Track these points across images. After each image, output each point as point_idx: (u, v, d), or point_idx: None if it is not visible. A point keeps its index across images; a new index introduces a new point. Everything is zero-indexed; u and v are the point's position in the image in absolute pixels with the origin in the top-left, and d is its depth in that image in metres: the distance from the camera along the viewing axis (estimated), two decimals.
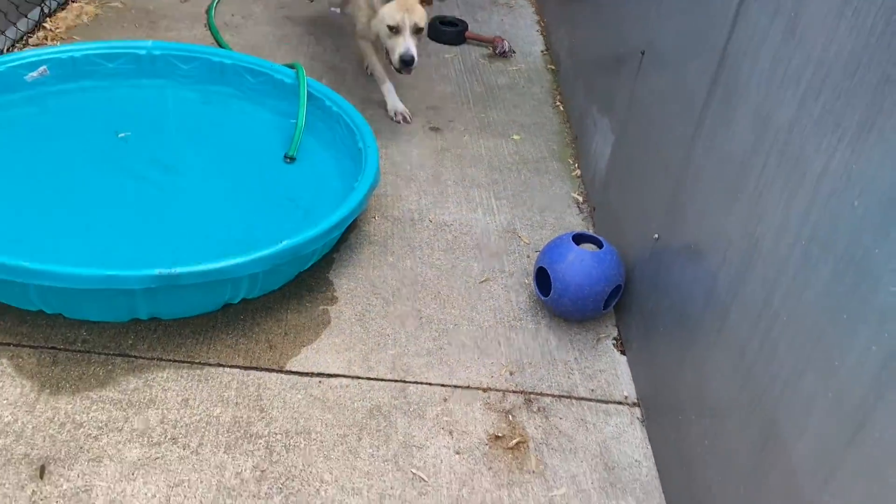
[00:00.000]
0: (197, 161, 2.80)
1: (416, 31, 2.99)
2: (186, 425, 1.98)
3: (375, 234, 2.72)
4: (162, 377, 2.10)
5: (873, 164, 1.25)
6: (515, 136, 3.40)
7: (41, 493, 1.79)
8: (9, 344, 2.13)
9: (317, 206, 2.59)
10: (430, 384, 2.20)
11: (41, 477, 1.81)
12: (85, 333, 2.19)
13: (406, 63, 2.96)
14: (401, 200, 2.90)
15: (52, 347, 2.14)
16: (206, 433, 1.97)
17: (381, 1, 3.00)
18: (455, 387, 2.20)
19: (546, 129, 3.49)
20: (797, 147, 1.50)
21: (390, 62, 3.05)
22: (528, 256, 2.70)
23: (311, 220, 2.33)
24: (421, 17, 3.00)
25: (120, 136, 2.85)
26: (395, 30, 2.97)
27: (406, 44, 2.94)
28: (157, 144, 2.84)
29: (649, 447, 2.10)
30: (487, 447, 2.04)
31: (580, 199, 3.04)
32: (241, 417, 2.02)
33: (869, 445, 1.19)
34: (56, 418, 1.95)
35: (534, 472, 1.99)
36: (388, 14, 2.97)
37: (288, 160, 2.85)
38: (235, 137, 2.95)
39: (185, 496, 1.82)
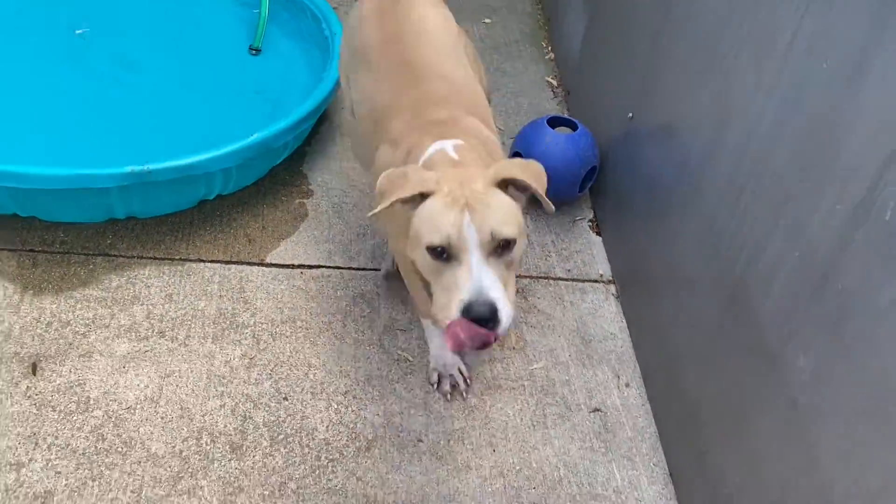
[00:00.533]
0: (158, 56, 2.71)
1: (499, 247, 1.44)
2: (172, 319, 2.02)
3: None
4: (144, 274, 2.12)
5: (841, 26, 1.26)
6: (487, 20, 3.32)
7: (36, 388, 1.83)
8: None
9: (285, 98, 2.55)
10: None
11: (34, 373, 1.85)
12: (63, 235, 2.19)
13: (480, 319, 1.39)
14: None
15: (31, 250, 2.14)
16: (193, 326, 2.01)
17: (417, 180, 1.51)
18: None
19: (518, 12, 3.41)
20: (767, 14, 1.49)
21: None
22: (504, 143, 2.70)
23: (281, 113, 2.30)
24: (505, 217, 1.46)
25: (77, 32, 2.74)
26: (443, 253, 1.45)
27: (472, 277, 1.41)
28: (117, 40, 2.74)
29: (623, 320, 2.17)
30: None
31: (554, 82, 3.01)
32: (226, 309, 2.06)
33: (831, 298, 1.25)
34: (42, 318, 1.98)
35: (514, 348, 2.07)
36: (429, 218, 1.47)
37: (253, 52, 2.77)
38: (197, 30, 2.86)
39: (177, 385, 1.88)
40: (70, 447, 1.73)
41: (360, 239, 2.31)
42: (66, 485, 1.67)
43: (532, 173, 1.53)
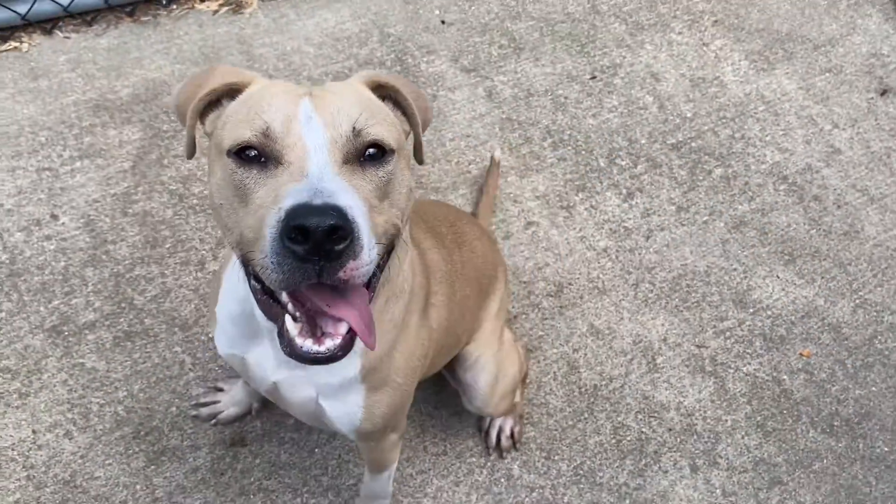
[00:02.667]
0: None
1: (362, 153, 1.02)
2: None
3: None
4: None
5: None
6: None
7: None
8: None
9: None
10: None
11: None
12: None
13: (314, 236, 0.86)
14: None
15: None
16: None
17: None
18: None
19: None
20: None
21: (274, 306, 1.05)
22: None
23: None
24: (373, 112, 1.06)
25: None
26: (260, 158, 1.00)
27: (306, 174, 0.94)
28: None
29: None
30: None
31: None
32: None
33: None
34: None
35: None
36: (241, 111, 1.06)
37: None
38: None
39: None
40: None
41: None
42: None
43: (414, 93, 1.19)
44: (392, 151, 1.03)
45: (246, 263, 1.01)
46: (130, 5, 2.70)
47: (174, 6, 2.75)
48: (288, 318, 1.00)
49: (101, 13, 2.67)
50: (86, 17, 2.66)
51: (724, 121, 2.77)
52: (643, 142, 2.67)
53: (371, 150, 1.01)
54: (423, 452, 2.01)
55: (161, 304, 2.13)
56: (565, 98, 2.74)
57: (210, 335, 1.98)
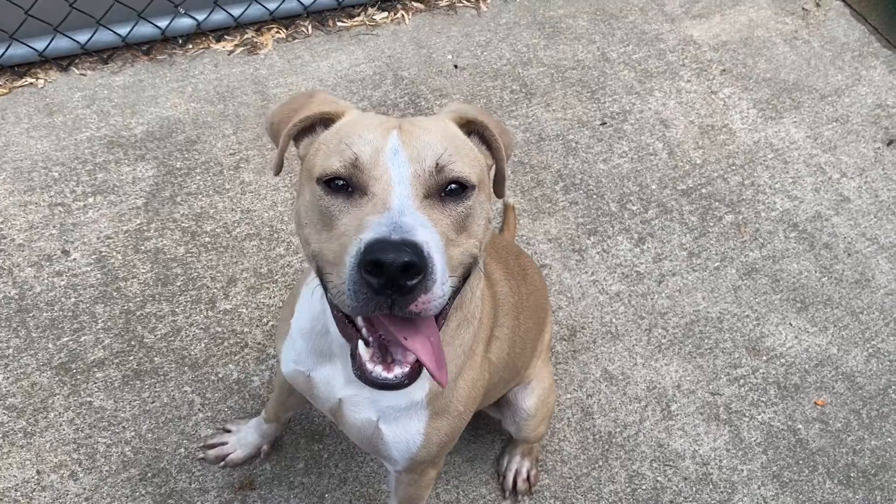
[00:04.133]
0: None
1: (444, 189, 1.03)
2: None
3: None
4: None
5: None
6: None
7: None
8: None
9: None
10: None
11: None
12: None
13: (390, 271, 0.89)
14: None
15: None
16: None
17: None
18: None
19: None
20: None
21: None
22: None
23: None
24: (457, 148, 1.07)
25: None
26: (346, 187, 1.03)
27: (388, 208, 0.96)
28: None
29: None
30: None
31: None
32: None
33: None
34: None
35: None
36: (331, 140, 1.09)
37: None
38: None
39: None
40: None
41: None
42: None
43: (499, 128, 1.22)
44: (473, 187, 1.06)
45: (321, 279, 1.05)
46: (147, 44, 2.73)
47: (190, 46, 2.77)
48: (361, 342, 1.04)
49: (118, 51, 2.70)
50: (102, 55, 2.68)
51: (733, 168, 2.79)
52: (654, 187, 2.68)
53: (452, 186, 1.04)
54: (436, 500, 1.97)
55: (171, 343, 2.10)
56: (576, 143, 2.76)
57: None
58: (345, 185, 1.02)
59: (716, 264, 2.52)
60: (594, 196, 2.62)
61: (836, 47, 3.30)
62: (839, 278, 2.55)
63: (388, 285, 0.89)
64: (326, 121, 1.16)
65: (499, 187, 1.23)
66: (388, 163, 1.00)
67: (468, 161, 1.08)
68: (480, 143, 1.20)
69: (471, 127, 1.19)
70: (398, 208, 0.95)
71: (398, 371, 1.02)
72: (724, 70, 3.10)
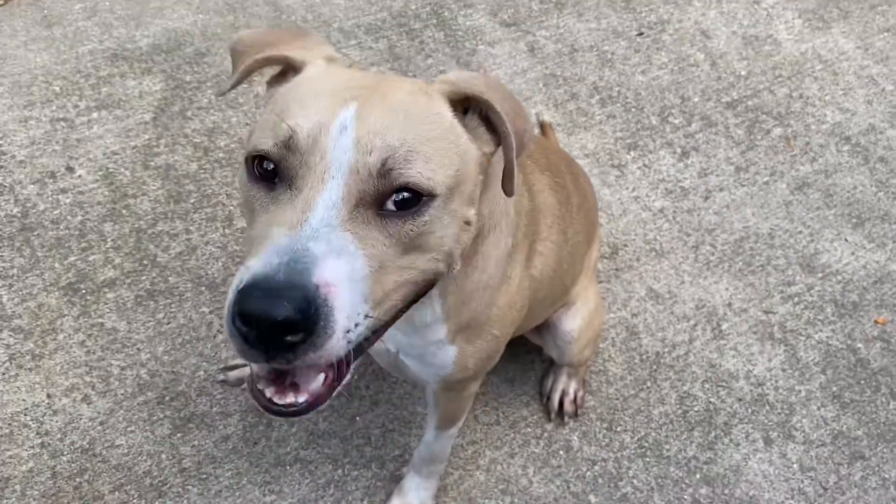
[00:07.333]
0: None
1: (387, 194, 0.80)
2: None
3: None
4: None
5: None
6: None
7: None
8: None
9: None
10: None
11: None
12: None
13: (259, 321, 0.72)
14: None
15: None
16: None
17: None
18: None
19: None
20: None
21: None
22: None
23: None
24: (426, 137, 0.83)
25: None
26: (273, 174, 0.82)
27: (301, 222, 0.76)
28: None
29: None
30: None
31: None
32: None
33: None
34: None
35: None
36: (279, 105, 0.85)
37: None
38: None
39: None
40: None
41: None
42: None
43: (512, 111, 0.90)
44: (433, 197, 0.81)
45: None
46: None
47: None
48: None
49: None
50: None
51: (780, 79, 2.60)
52: (696, 100, 2.50)
53: (403, 195, 0.79)
54: (475, 422, 1.84)
55: (186, 262, 1.96)
56: (612, 54, 2.57)
57: None
58: (273, 171, 0.79)
59: (765, 179, 2.35)
60: (633, 109, 2.44)
61: None
62: None
63: (259, 341, 0.72)
64: (295, 70, 0.92)
65: (507, 183, 0.92)
66: (328, 145, 0.76)
67: (438, 161, 0.81)
68: (482, 124, 0.91)
69: (470, 104, 0.90)
70: (315, 223, 0.73)
71: (292, 398, 0.82)
72: None
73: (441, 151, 0.82)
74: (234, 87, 0.97)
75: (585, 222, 1.52)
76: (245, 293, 0.70)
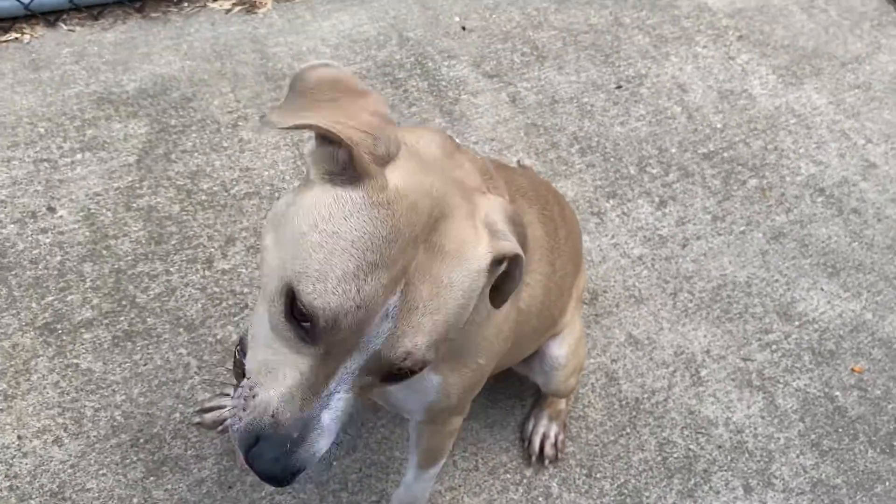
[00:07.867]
0: None
1: (392, 373, 0.85)
2: None
3: None
4: None
5: None
6: None
7: None
8: None
9: None
10: None
11: None
12: None
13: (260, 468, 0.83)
14: None
15: None
16: None
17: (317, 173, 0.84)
18: None
19: None
20: None
21: None
22: None
23: None
24: (443, 329, 0.83)
25: None
26: (312, 329, 0.80)
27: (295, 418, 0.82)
28: None
29: None
30: None
31: None
32: None
33: None
34: None
35: None
36: (338, 245, 0.78)
37: None
38: None
39: None
40: None
41: None
42: None
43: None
44: (424, 365, 0.84)
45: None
46: (139, 1, 2.59)
47: (185, 4, 2.63)
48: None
49: (108, 7, 2.56)
50: (92, 11, 2.54)
51: (755, 132, 2.67)
52: (673, 151, 2.55)
53: (400, 373, 0.84)
54: (453, 468, 1.82)
55: (165, 303, 1.94)
56: (591, 106, 2.63)
57: None
58: (311, 327, 0.78)
59: (741, 228, 2.39)
60: (612, 159, 2.49)
61: (854, 16, 3.20)
62: (870, 244, 2.43)
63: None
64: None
65: (499, 301, 0.97)
66: (369, 332, 0.77)
67: (450, 333, 0.83)
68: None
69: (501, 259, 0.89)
70: (332, 388, 0.80)
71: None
72: (741, 36, 2.99)
73: (457, 322, 0.84)
74: (289, 128, 0.82)
75: (572, 253, 1.54)
76: (255, 455, 0.81)
